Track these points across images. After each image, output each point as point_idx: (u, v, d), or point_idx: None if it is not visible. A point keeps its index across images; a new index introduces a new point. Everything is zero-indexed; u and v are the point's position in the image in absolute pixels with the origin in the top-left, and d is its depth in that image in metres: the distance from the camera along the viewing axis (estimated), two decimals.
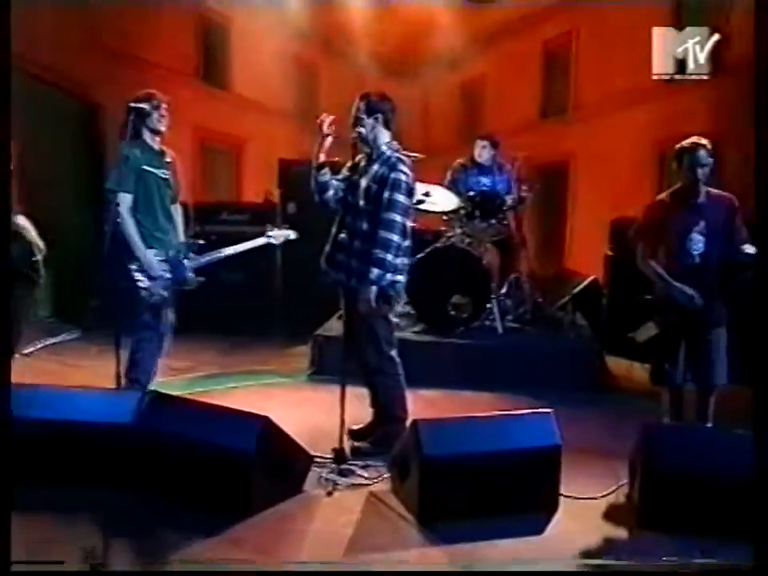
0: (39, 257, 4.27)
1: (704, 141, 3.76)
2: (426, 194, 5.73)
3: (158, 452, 3.19)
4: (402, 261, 3.62)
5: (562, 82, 10.99)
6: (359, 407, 3.91)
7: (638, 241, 3.97)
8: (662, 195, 4.00)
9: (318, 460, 3.56)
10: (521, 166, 6.10)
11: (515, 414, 3.37)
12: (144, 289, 3.92)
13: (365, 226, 3.57)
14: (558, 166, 10.73)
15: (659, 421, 3.87)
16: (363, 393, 3.95)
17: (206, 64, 10.54)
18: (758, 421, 2.70)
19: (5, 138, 2.75)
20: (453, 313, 5.58)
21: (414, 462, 3.09)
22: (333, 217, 3.82)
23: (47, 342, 6.04)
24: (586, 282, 6.38)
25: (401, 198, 3.50)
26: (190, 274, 4.10)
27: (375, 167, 3.59)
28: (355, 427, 3.89)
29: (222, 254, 4.21)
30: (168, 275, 4.00)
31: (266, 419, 3.11)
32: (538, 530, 3.04)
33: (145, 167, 3.95)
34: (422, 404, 4.52)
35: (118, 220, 3.84)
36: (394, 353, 3.80)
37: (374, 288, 3.51)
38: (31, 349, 5.66)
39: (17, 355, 4.53)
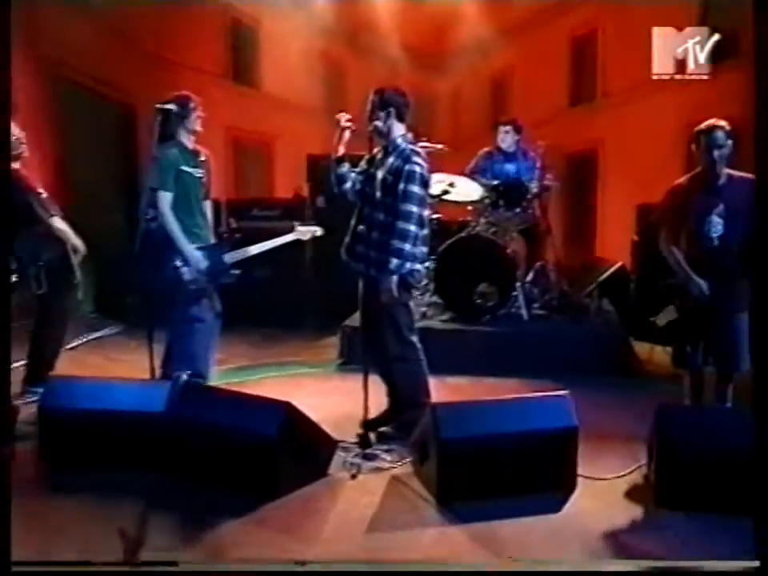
0: (75, 260, 4.44)
1: (722, 122, 3.71)
2: (451, 185, 5.81)
3: (189, 439, 3.35)
4: (420, 250, 3.69)
5: (590, 70, 10.93)
6: (384, 395, 3.99)
7: (659, 226, 3.96)
8: (682, 179, 3.95)
9: (344, 445, 3.68)
10: (544, 153, 6.11)
11: (531, 396, 3.44)
12: (188, 281, 4.10)
13: (382, 217, 3.66)
14: (587, 153, 10.69)
15: (673, 402, 3.88)
16: None
17: (236, 64, 10.76)
18: (758, 400, 2.72)
19: (4, 138, 2.84)
20: (479, 301, 5.64)
21: (432, 444, 3.18)
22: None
23: (90, 337, 6.26)
24: (613, 269, 6.36)
25: (416, 188, 3.57)
26: (229, 268, 4.27)
27: (391, 159, 3.67)
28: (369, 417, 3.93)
29: (252, 251, 4.37)
30: (210, 268, 4.16)
31: (289, 405, 3.24)
32: (555, 508, 3.11)
33: (182, 167, 4.13)
34: (448, 390, 4.61)
35: (147, 217, 4.02)
36: (415, 338, 3.85)
37: (394, 278, 3.60)
38: (75, 343, 5.85)
39: (62, 349, 4.71)
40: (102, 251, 5.50)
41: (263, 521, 3.01)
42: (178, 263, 4.07)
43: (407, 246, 3.57)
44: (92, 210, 6.78)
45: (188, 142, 4.20)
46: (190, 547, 2.78)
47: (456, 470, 3.13)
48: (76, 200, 5.86)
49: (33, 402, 3.99)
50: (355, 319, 5.67)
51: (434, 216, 6.04)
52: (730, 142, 3.70)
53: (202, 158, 4.30)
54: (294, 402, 3.31)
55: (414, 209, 3.57)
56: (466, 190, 5.88)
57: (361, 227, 3.78)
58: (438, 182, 5.74)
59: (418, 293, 4.51)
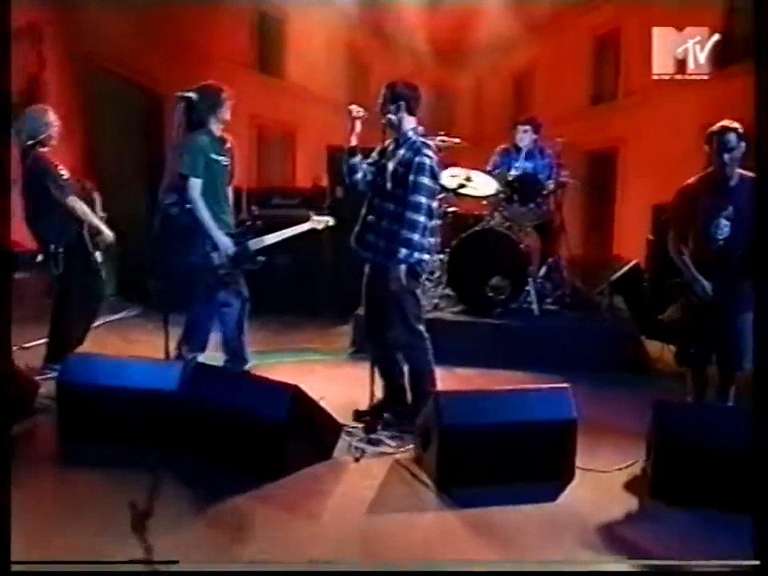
0: (91, 244, 4.53)
1: (735, 124, 3.70)
2: (468, 179, 5.87)
3: (199, 417, 3.46)
4: (428, 240, 3.76)
5: (611, 69, 10.91)
6: None
7: (669, 226, 3.99)
8: (692, 179, 3.95)
9: (349, 429, 3.77)
10: (561, 150, 6.14)
11: (532, 388, 3.50)
12: (217, 266, 4.23)
13: (392, 207, 3.73)
14: (607, 151, 10.67)
15: (671, 399, 3.90)
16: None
17: (262, 55, 10.89)
18: (757, 399, 2.76)
19: (4, 135, 2.93)
20: (491, 294, 5.69)
21: (434, 431, 3.26)
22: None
23: (109, 318, 6.39)
24: (627, 267, 6.39)
25: (425, 180, 3.64)
26: (255, 255, 4.40)
27: (401, 151, 3.74)
28: (361, 409, 4.01)
29: (268, 241, 4.48)
30: (237, 254, 4.30)
31: (296, 388, 3.33)
32: (551, 497, 3.18)
33: (211, 155, 4.24)
34: (458, 381, 4.68)
35: (167, 202, 4.14)
36: (422, 328, 3.90)
37: (402, 267, 3.67)
38: (95, 324, 6.01)
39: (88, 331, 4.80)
40: (126, 237, 5.62)
41: (267, 498, 3.11)
42: (208, 248, 4.20)
43: (416, 236, 3.64)
44: (119, 196, 6.92)
45: (217, 130, 4.31)
46: (196, 524, 2.88)
47: (456, 457, 3.21)
48: (104, 187, 5.99)
49: (51, 378, 4.12)
50: None
51: (450, 209, 6.12)
52: (742, 144, 3.68)
53: (228, 146, 4.41)
54: (304, 387, 3.40)
55: (423, 200, 3.64)
56: (482, 184, 5.93)
57: (371, 217, 3.85)
58: (455, 176, 5.81)
59: (429, 284, 4.55)
